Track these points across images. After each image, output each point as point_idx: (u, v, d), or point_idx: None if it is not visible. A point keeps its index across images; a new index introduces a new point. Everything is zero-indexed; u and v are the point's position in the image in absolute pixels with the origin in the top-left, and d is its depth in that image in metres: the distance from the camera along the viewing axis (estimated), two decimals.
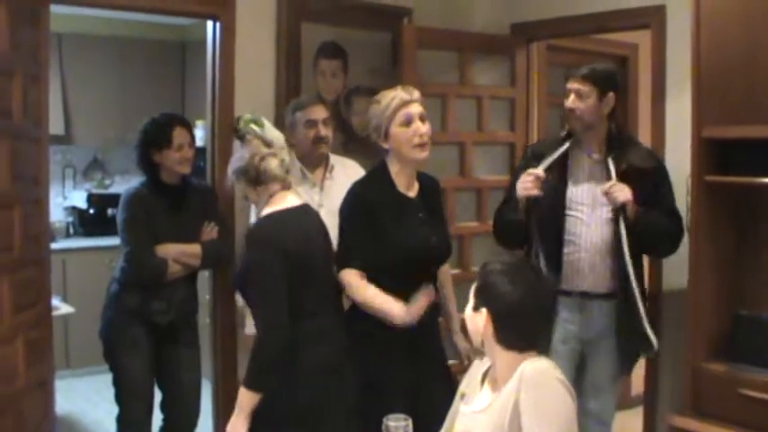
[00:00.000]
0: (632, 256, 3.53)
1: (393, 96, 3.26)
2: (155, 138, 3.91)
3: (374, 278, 3.19)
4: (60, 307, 4.97)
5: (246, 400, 2.95)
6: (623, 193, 3.47)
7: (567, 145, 3.69)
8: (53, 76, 6.65)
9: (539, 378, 2.26)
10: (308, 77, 4.49)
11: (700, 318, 3.58)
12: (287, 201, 3.14)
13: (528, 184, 3.54)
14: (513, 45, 5.06)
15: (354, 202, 3.28)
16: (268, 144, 3.11)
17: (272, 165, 3.08)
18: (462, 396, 2.54)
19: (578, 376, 3.69)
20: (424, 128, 3.24)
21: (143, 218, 3.89)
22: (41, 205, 3.63)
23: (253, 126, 3.13)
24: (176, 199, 3.99)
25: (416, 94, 3.28)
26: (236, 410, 2.97)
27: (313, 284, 3.07)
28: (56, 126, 6.71)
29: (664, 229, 3.57)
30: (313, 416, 3.00)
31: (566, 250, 3.62)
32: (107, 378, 4.01)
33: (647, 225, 3.51)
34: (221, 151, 4.30)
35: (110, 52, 7.10)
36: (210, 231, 4.03)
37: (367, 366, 3.13)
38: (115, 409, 4.01)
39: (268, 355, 2.93)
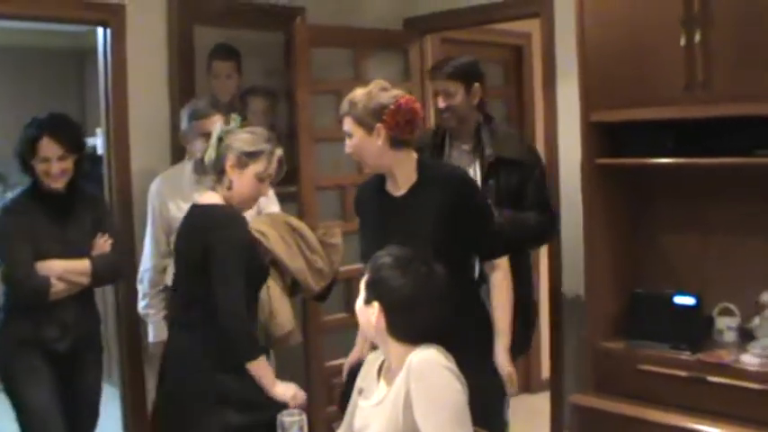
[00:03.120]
0: None
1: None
2: (21, 148, 3.56)
3: None
4: None
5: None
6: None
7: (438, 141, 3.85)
8: None
9: (425, 367, 2.28)
10: (203, 80, 4.45)
11: (597, 298, 3.66)
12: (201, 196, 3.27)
13: None
14: (406, 39, 5.10)
15: (354, 202, 3.43)
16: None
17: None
18: (360, 391, 2.56)
19: None
20: (346, 147, 3.14)
21: (20, 232, 3.46)
22: None
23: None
24: (60, 209, 3.57)
25: (345, 107, 3.12)
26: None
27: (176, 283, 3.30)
28: None
29: (525, 228, 3.65)
30: None
31: None
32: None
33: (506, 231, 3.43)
34: (118, 159, 4.25)
35: (6, 62, 6.97)
36: (103, 244, 3.62)
37: None
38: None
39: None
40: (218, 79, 4.42)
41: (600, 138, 3.61)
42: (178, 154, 4.21)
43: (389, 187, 3.16)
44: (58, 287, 3.44)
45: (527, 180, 3.71)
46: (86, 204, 3.68)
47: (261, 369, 3.06)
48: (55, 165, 3.48)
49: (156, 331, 4.01)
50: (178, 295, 3.28)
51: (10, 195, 7.16)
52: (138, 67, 4.28)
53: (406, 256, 2.45)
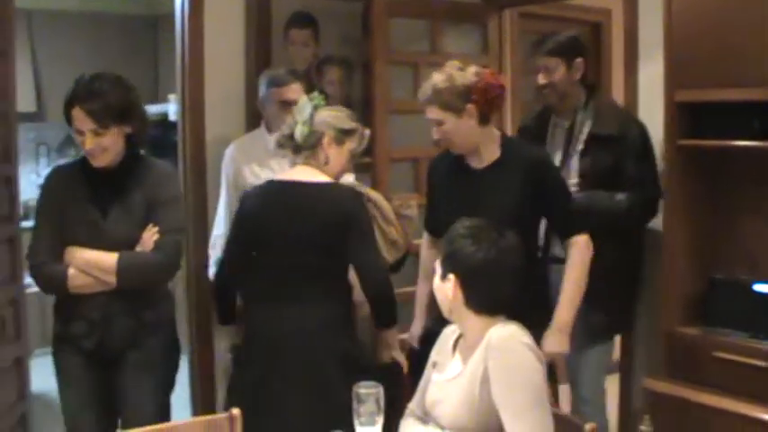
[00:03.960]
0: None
1: (419, 92, 3.19)
2: (64, 113, 3.04)
3: None
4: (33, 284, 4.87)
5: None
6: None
7: (541, 121, 3.83)
8: (23, 53, 6.61)
9: (505, 344, 2.26)
10: (279, 48, 4.43)
11: (674, 282, 3.57)
12: (291, 173, 3.21)
13: None
14: (485, 13, 5.01)
15: (427, 173, 3.47)
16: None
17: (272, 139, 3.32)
18: (434, 364, 2.53)
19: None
20: (434, 134, 3.17)
21: (51, 207, 3.06)
22: (11, 183, 3.59)
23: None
24: (106, 190, 3.06)
25: (423, 95, 3.13)
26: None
27: (266, 256, 3.13)
28: (27, 103, 6.69)
29: (613, 209, 3.58)
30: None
31: None
32: None
33: (591, 209, 3.48)
34: (192, 126, 4.24)
35: (81, 28, 7.01)
36: (147, 239, 3.04)
37: None
38: None
39: (215, 297, 3.42)
40: (294, 47, 4.39)
41: (682, 119, 3.51)
42: (253, 121, 4.20)
43: (471, 160, 3.20)
44: (77, 280, 2.99)
45: (624, 157, 3.62)
46: (143, 188, 3.09)
47: (395, 335, 3.20)
48: (89, 140, 2.97)
49: None
50: (275, 273, 3.12)
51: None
52: (214, 34, 4.27)
53: (478, 226, 2.43)
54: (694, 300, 3.60)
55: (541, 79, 3.70)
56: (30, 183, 7.01)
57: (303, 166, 3.18)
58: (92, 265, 2.98)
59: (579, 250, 3.19)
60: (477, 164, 3.19)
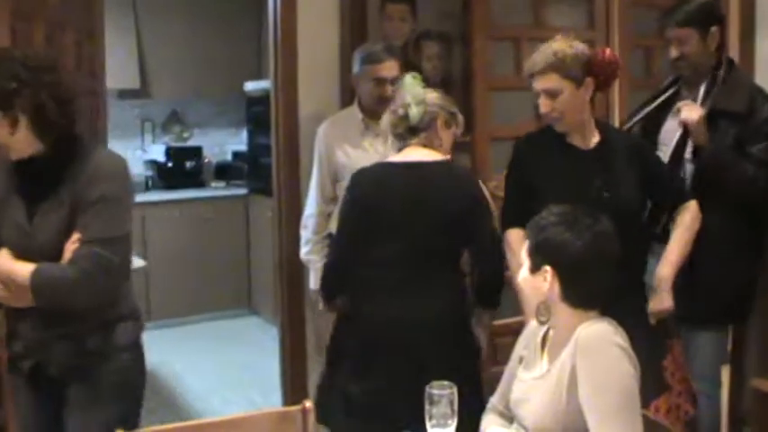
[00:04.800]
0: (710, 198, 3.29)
1: (532, 61, 3.04)
2: None
3: None
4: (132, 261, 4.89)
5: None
6: (689, 113, 3.32)
7: (670, 92, 3.60)
8: (128, 31, 6.71)
9: (595, 344, 2.09)
10: (375, 22, 4.31)
11: None
12: (406, 155, 3.08)
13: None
14: None
15: (515, 155, 3.23)
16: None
17: (384, 121, 3.11)
18: (520, 360, 2.37)
19: None
20: (543, 107, 3.02)
21: None
22: None
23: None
24: (35, 186, 2.52)
25: (544, 62, 2.97)
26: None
27: (390, 240, 2.97)
28: (132, 80, 6.80)
29: (738, 171, 3.33)
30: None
31: None
32: (187, 330, 3.85)
33: (718, 160, 3.33)
34: (285, 104, 4.18)
35: (184, 5, 7.06)
36: (68, 248, 2.45)
37: None
38: (194, 363, 3.65)
39: (323, 284, 3.24)
40: (391, 22, 4.25)
41: None
42: (348, 97, 4.10)
43: (575, 140, 3.07)
44: None
45: (750, 135, 3.36)
46: (74, 185, 2.47)
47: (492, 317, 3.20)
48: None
49: (317, 278, 3.94)
50: (404, 260, 2.98)
51: (186, 135, 7.54)
52: (308, 8, 4.20)
53: (571, 213, 2.26)
54: None
55: (674, 52, 3.46)
56: (136, 159, 7.18)
57: (418, 147, 3.06)
58: (5, 276, 2.48)
59: (691, 214, 3.17)
60: (583, 144, 3.07)
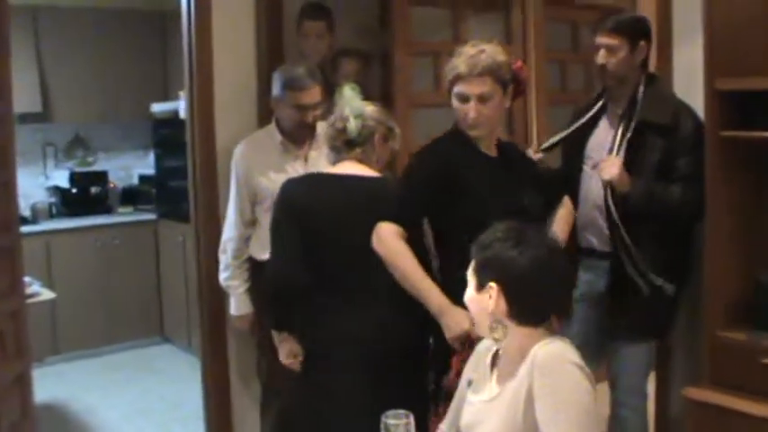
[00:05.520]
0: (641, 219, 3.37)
1: (453, 67, 2.99)
2: None
3: (443, 242, 3.02)
4: (41, 293, 4.72)
5: (276, 337, 3.16)
6: (608, 170, 3.32)
7: (598, 105, 3.61)
8: (28, 52, 6.49)
9: (552, 363, 2.04)
10: (292, 41, 4.24)
11: (718, 283, 3.34)
12: (340, 168, 3.06)
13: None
14: (508, 0, 4.85)
15: (428, 160, 3.06)
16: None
17: (321, 133, 3.16)
18: (469, 383, 2.31)
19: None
20: (472, 112, 2.96)
21: None
22: (10, 189, 3.40)
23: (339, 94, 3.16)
24: None
25: (481, 65, 2.93)
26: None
27: (326, 249, 2.95)
28: (33, 104, 6.58)
29: (667, 198, 3.37)
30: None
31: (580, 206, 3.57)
32: (99, 362, 3.74)
33: (641, 201, 3.35)
34: (202, 124, 4.06)
35: (87, 25, 6.86)
36: None
37: None
38: (109, 395, 3.62)
39: (274, 299, 3.04)
40: (307, 40, 4.19)
41: (725, 108, 3.27)
42: (266, 118, 4.01)
43: (483, 147, 3.07)
44: None
45: (677, 149, 3.40)
46: None
47: None
48: None
49: (238, 304, 3.89)
50: (348, 272, 2.97)
51: (91, 159, 7.31)
52: (223, 28, 4.10)
53: (514, 227, 2.20)
54: (739, 302, 3.37)
55: (601, 59, 3.46)
56: (37, 185, 6.97)
57: (353, 162, 3.03)
58: None
59: (567, 208, 3.49)
60: (489, 152, 3.10)
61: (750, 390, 3.17)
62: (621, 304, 3.45)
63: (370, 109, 3.07)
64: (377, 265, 2.85)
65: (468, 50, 2.97)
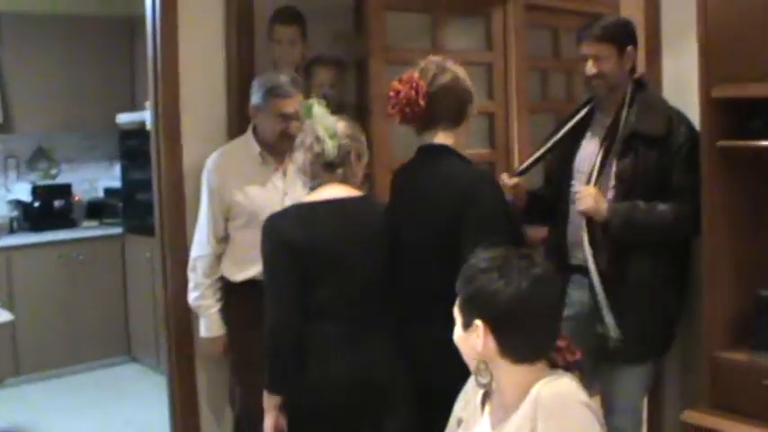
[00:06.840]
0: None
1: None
2: None
3: None
4: None
5: (266, 400, 2.86)
6: (583, 201, 3.23)
7: (580, 114, 3.51)
8: None
9: (560, 404, 1.87)
10: (263, 48, 4.09)
11: (716, 300, 3.19)
12: (323, 193, 2.90)
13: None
14: (488, 6, 4.72)
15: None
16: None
17: (299, 159, 2.96)
18: (459, 422, 2.13)
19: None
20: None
21: None
22: None
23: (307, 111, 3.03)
24: None
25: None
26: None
27: (332, 283, 2.80)
28: None
29: (657, 222, 3.24)
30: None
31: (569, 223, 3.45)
32: (62, 383, 3.56)
33: (620, 230, 3.23)
34: (167, 136, 3.87)
35: (52, 31, 6.69)
36: None
37: None
38: (73, 418, 3.50)
39: (274, 355, 2.79)
40: (279, 46, 4.03)
41: (720, 117, 3.13)
42: (236, 130, 3.87)
43: None
44: None
45: (670, 161, 3.26)
46: None
47: None
48: None
49: (210, 325, 3.71)
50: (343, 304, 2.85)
51: (54, 172, 7.13)
52: (190, 34, 3.93)
53: (501, 257, 2.02)
54: (739, 320, 3.24)
55: (590, 69, 3.32)
56: None
57: (334, 185, 2.91)
58: None
59: None
60: None
61: (752, 413, 3.04)
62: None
63: (341, 126, 2.94)
64: (380, 293, 2.86)
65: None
